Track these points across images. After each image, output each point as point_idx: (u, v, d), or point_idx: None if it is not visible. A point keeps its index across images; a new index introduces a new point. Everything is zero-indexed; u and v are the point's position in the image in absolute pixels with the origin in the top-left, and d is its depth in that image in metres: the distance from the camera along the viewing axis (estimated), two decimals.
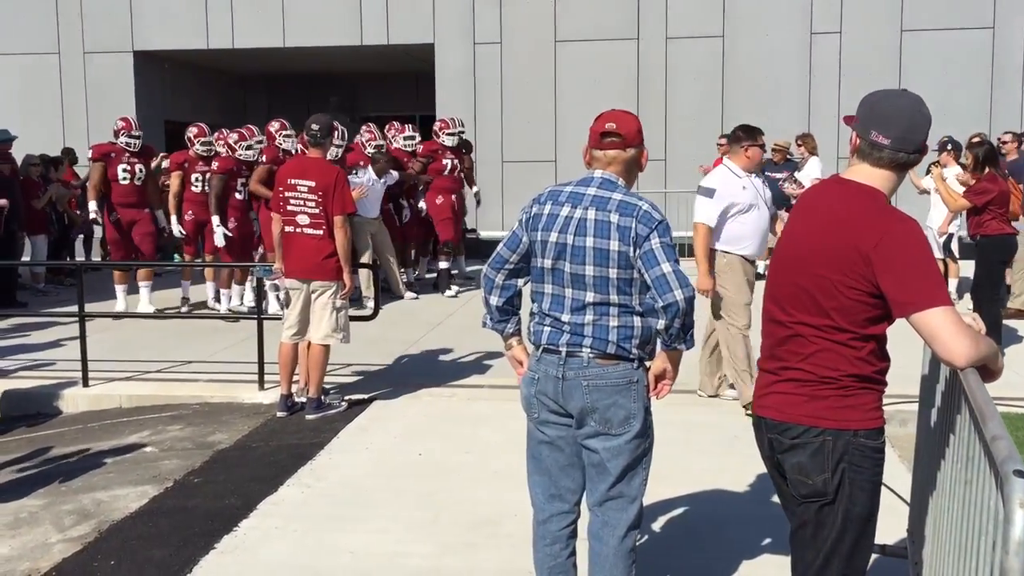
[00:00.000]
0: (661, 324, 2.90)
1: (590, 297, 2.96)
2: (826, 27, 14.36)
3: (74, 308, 7.42)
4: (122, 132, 9.53)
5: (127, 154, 9.56)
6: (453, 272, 11.70)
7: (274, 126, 9.92)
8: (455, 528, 4.38)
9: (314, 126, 6.19)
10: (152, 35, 15.89)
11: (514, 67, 15.08)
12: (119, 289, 9.80)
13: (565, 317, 3.00)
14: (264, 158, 9.40)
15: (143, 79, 16.21)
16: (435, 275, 11.66)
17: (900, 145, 2.51)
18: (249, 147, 9.57)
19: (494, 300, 3.18)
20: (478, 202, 12.37)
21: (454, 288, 11.20)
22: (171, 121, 16.37)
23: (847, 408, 2.49)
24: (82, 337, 7.09)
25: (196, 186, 9.70)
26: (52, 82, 16.13)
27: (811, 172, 11.15)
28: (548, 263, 3.02)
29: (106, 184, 9.53)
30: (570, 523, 3.18)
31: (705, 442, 5.54)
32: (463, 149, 11.52)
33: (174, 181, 9.78)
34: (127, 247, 9.75)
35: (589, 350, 2.97)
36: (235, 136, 9.81)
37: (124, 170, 9.53)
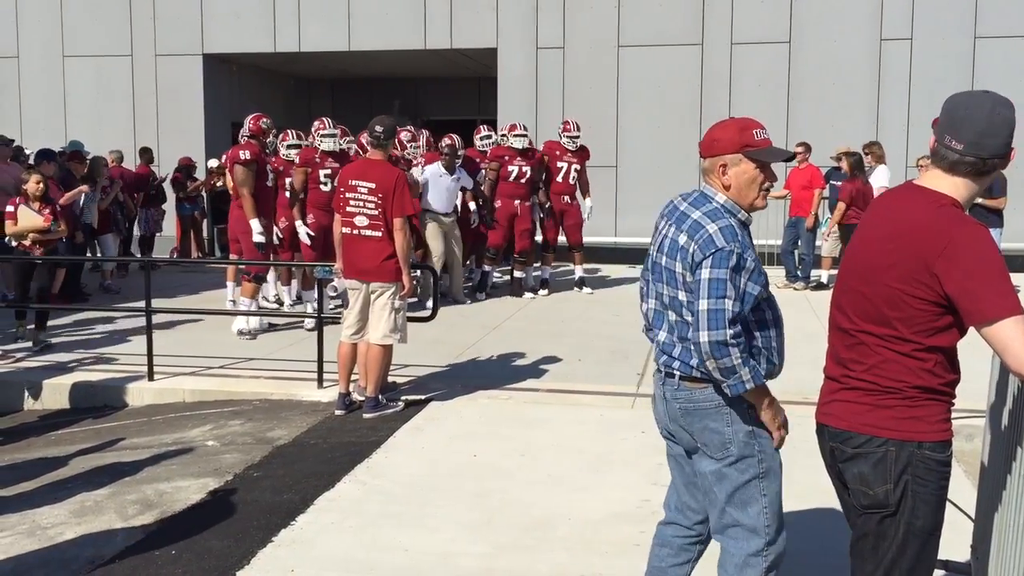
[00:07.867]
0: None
1: (672, 316, 2.86)
2: (896, 33, 14.06)
3: (139, 304, 7.59)
4: (318, 133, 8.98)
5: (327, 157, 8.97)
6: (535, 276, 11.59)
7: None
8: (509, 530, 4.39)
9: (378, 128, 6.27)
10: (221, 38, 16.21)
11: (576, 72, 15.05)
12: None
13: (661, 336, 2.92)
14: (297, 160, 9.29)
15: (211, 81, 16.54)
16: (508, 279, 11.64)
17: (973, 151, 2.41)
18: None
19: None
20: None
21: (483, 294, 11.11)
22: (238, 123, 16.66)
23: (912, 419, 2.43)
24: (148, 332, 7.25)
25: (325, 184, 9.10)
26: (124, 83, 16.54)
27: (878, 181, 10.97)
28: (650, 278, 2.98)
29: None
30: (684, 536, 3.11)
31: None
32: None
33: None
34: (322, 255, 8.84)
35: (678, 372, 2.87)
36: (407, 135, 9.92)
37: (326, 175, 8.95)
